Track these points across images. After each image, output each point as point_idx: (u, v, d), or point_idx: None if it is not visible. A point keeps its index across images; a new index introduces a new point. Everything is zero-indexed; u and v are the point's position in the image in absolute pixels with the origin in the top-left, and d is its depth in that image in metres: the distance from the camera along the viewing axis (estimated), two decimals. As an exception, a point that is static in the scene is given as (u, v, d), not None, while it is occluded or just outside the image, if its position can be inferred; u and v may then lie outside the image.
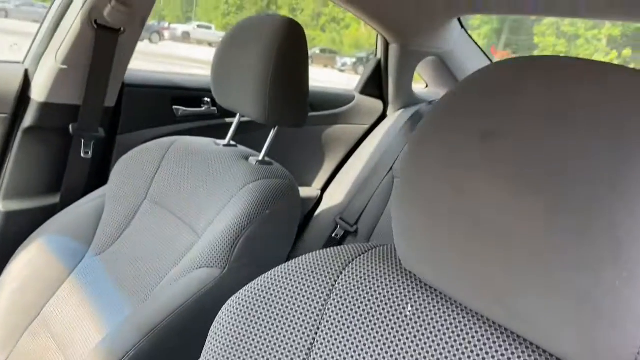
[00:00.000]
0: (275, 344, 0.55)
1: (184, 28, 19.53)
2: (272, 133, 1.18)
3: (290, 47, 1.07)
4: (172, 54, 13.40)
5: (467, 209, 0.43)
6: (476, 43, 2.08)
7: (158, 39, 16.12)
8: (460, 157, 0.43)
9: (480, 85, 0.45)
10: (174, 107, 1.55)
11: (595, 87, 0.39)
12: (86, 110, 1.33)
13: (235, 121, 1.24)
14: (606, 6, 1.48)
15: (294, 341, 0.55)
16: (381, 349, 0.51)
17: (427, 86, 2.26)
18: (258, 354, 0.55)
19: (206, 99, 1.61)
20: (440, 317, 0.50)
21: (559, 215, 0.37)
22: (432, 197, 0.45)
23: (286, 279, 0.58)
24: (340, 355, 0.52)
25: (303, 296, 0.56)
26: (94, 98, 1.33)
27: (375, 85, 2.04)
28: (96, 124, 1.36)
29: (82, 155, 1.36)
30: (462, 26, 1.98)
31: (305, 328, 0.55)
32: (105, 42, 1.29)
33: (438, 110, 0.48)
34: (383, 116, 2.07)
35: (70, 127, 1.33)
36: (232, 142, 1.24)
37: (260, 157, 1.15)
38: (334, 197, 1.90)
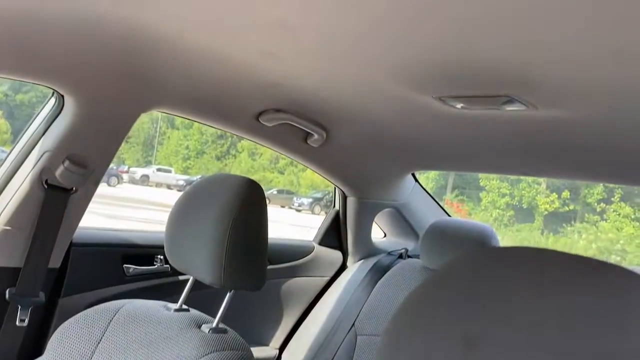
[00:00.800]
0: None
1: (143, 171, 19.87)
2: (227, 297, 1.11)
3: (249, 209, 1.05)
4: (127, 197, 13.43)
5: None
6: (430, 195, 2.15)
7: (116, 181, 16.21)
8: None
9: (464, 278, 0.43)
10: (125, 265, 1.47)
11: (590, 289, 0.37)
12: (27, 273, 1.24)
13: (188, 284, 1.17)
14: (546, 167, 1.58)
15: None
16: None
17: (385, 236, 2.28)
18: None
19: (159, 256, 1.55)
20: None
21: None
22: None
23: None
24: None
25: None
26: (37, 260, 1.24)
27: (334, 236, 2.04)
28: (37, 287, 1.26)
29: (17, 323, 1.23)
30: (416, 180, 2.07)
31: None
32: (54, 202, 1.24)
33: (414, 301, 0.45)
34: (343, 267, 2.03)
35: (7, 292, 1.22)
36: (185, 306, 1.16)
37: (214, 324, 1.07)
38: (294, 357, 1.77)
